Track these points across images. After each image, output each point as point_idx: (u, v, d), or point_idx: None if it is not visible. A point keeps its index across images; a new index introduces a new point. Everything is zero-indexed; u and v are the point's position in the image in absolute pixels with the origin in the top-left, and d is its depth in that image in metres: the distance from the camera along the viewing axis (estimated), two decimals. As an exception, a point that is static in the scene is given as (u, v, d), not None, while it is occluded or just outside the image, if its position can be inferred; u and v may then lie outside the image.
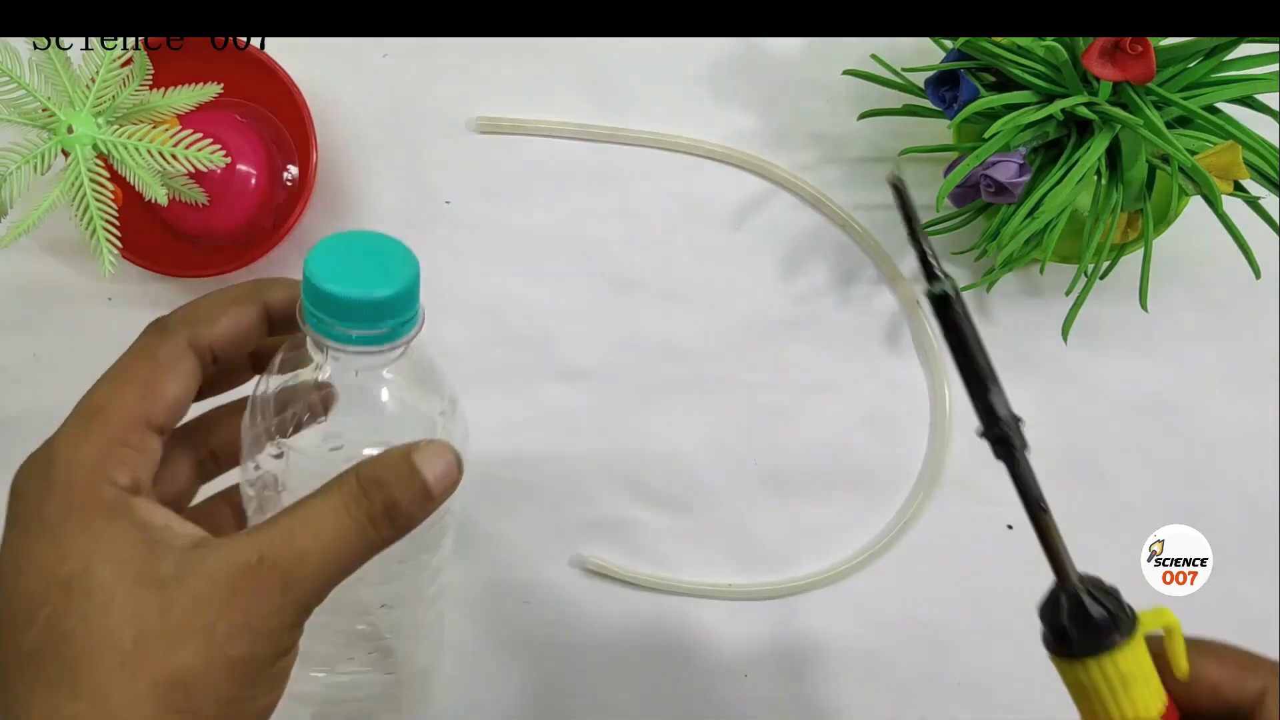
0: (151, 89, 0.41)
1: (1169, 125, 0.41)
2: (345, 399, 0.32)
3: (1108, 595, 0.28)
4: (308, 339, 0.30)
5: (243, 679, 0.25)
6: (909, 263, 0.51)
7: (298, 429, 0.32)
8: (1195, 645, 0.27)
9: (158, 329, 0.30)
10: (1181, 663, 0.26)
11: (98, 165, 0.40)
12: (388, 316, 0.29)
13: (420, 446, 0.28)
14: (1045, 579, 0.50)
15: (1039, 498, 0.28)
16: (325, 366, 0.31)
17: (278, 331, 0.33)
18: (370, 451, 0.29)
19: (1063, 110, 0.40)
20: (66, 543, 0.25)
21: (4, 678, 0.25)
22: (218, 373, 0.32)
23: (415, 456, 0.28)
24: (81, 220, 0.40)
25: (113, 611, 0.25)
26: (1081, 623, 0.27)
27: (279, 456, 0.32)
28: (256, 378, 0.34)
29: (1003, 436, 0.28)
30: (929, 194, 0.50)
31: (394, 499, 0.27)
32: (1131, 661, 0.27)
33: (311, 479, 0.29)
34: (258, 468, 0.32)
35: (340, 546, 0.27)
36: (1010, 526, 0.50)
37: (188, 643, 0.25)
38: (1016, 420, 0.28)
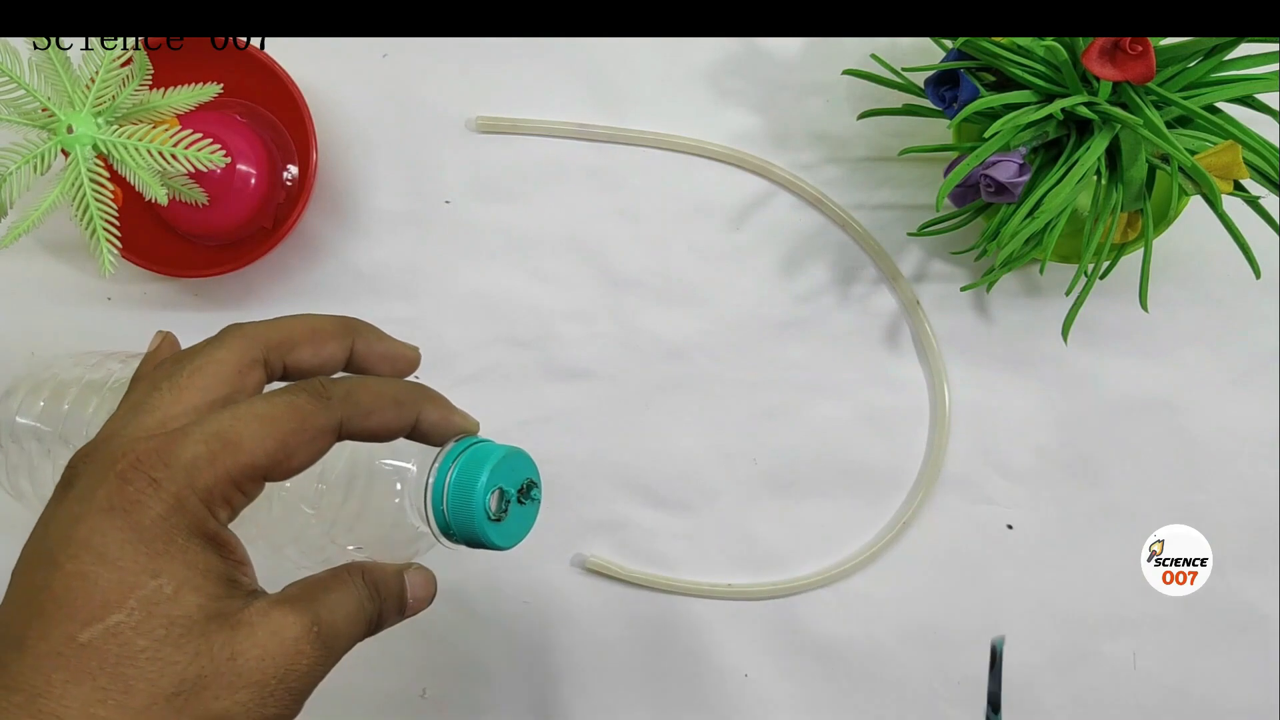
0: (151, 89, 0.41)
1: (1169, 125, 0.41)
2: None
3: None
4: (420, 516, 0.33)
5: None
6: (908, 262, 0.51)
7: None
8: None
9: (320, 397, 0.29)
10: None
11: (98, 165, 0.40)
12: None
13: (412, 568, 0.32)
14: (1044, 578, 0.50)
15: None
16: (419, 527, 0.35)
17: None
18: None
19: (1063, 110, 0.40)
20: (161, 559, 0.26)
21: (44, 659, 0.25)
22: None
23: (407, 575, 0.32)
24: (81, 220, 0.40)
25: (186, 644, 0.25)
26: None
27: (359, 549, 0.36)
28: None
29: None
30: (929, 194, 0.50)
31: (386, 607, 0.31)
32: None
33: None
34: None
35: (357, 629, 0.29)
36: (1010, 526, 0.50)
37: (240, 692, 0.26)
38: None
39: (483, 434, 0.38)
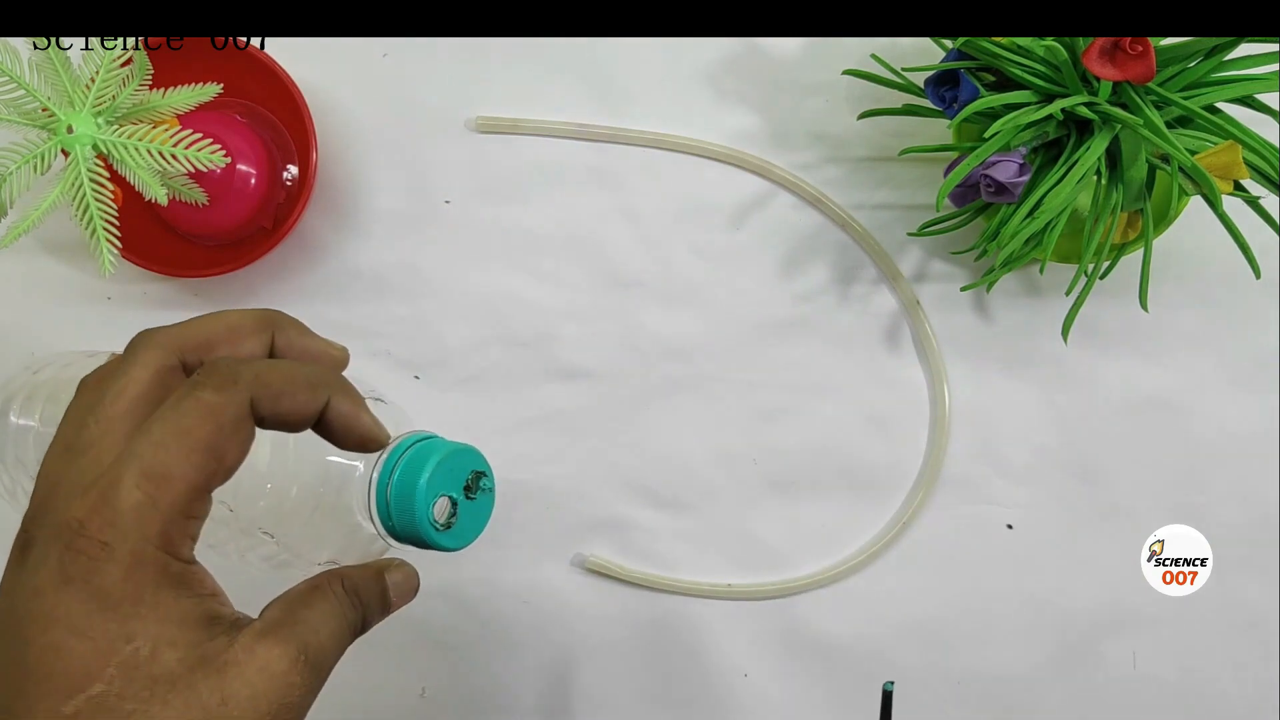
0: (151, 89, 0.41)
1: (1169, 125, 0.41)
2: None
3: None
4: (367, 515, 0.33)
5: None
6: (908, 262, 0.51)
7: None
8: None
9: (221, 382, 0.28)
10: None
11: (98, 165, 0.40)
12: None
13: (391, 567, 0.32)
14: (1044, 578, 0.50)
15: None
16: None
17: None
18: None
19: (1063, 110, 0.40)
20: (133, 621, 0.25)
21: None
22: None
23: (387, 575, 0.32)
24: (81, 220, 0.40)
25: (173, 700, 0.25)
26: None
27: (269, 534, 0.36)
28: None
29: None
30: (929, 194, 0.50)
31: (369, 611, 0.31)
32: None
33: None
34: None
35: (343, 643, 0.29)
36: (1010, 526, 0.50)
37: None
38: None
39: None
